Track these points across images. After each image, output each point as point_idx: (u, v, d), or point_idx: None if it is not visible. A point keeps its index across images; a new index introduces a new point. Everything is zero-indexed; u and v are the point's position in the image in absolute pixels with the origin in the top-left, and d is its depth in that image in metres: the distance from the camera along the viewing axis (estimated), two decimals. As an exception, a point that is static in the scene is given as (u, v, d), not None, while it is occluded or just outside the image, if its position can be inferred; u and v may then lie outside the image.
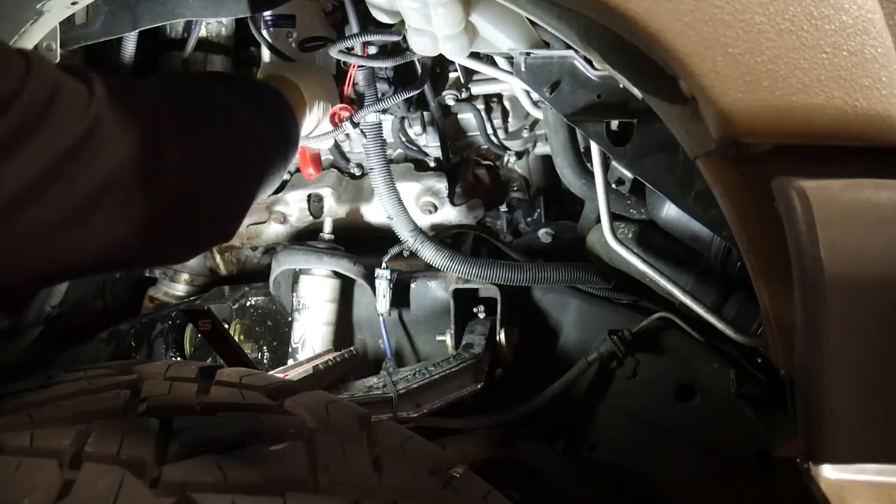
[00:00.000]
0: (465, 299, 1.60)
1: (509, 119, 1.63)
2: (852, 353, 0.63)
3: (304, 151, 1.47)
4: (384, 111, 1.51)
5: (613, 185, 1.30)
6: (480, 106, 1.59)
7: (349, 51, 1.34)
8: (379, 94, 1.43)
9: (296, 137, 1.10)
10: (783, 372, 0.75)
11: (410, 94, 1.41)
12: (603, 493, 1.40)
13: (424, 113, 1.60)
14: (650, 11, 0.66)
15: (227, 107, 0.90)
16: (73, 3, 1.05)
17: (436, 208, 1.67)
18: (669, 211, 1.27)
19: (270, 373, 1.28)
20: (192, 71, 1.37)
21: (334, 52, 1.28)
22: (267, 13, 1.43)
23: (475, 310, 1.60)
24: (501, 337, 1.50)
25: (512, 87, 1.47)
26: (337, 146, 1.74)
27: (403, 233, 1.46)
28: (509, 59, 1.20)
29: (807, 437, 0.65)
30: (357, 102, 1.42)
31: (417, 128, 1.64)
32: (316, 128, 1.31)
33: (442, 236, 1.62)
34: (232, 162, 0.87)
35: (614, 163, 1.21)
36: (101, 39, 1.24)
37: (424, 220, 1.67)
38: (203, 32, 1.46)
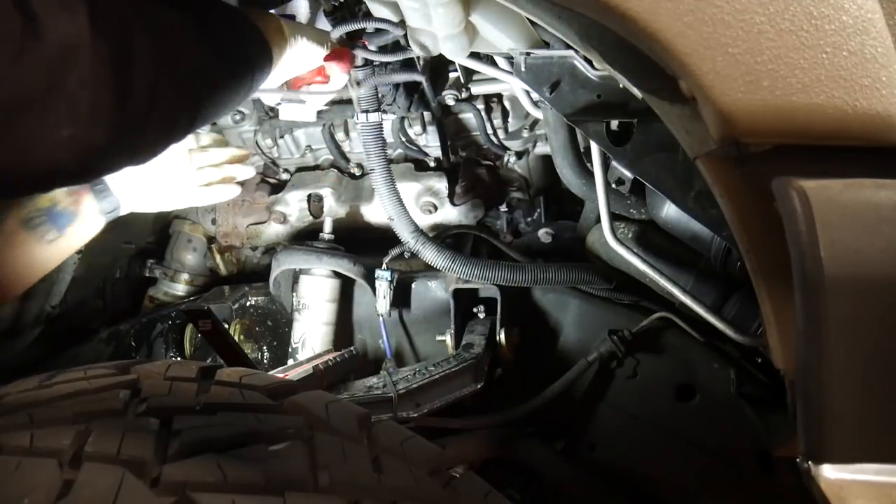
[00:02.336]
0: (464, 299, 1.60)
1: (509, 119, 1.63)
2: (852, 353, 0.63)
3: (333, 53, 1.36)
4: (385, 110, 1.51)
5: (613, 185, 1.30)
6: (480, 106, 1.59)
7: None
8: (380, 93, 1.43)
9: (260, 63, 1.09)
10: (783, 372, 0.75)
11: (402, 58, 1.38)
12: (603, 493, 1.40)
13: (424, 113, 1.60)
14: (650, 11, 0.66)
15: (188, 30, 0.92)
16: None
17: (436, 208, 1.67)
18: (669, 211, 1.27)
19: (270, 373, 1.28)
20: None
21: (335, 37, 1.28)
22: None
23: (475, 310, 1.60)
24: (501, 337, 1.50)
25: (512, 87, 1.47)
26: (337, 146, 1.74)
27: (404, 234, 1.46)
28: (509, 59, 1.20)
29: (807, 437, 0.65)
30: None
31: (417, 128, 1.64)
32: (299, 65, 1.27)
33: (442, 237, 1.62)
34: (183, 70, 0.88)
35: (614, 163, 1.21)
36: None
37: (424, 220, 1.67)
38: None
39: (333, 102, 1.54)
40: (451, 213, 1.68)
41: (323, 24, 1.38)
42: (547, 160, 1.65)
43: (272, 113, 1.70)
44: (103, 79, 0.71)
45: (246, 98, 1.08)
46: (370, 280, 1.60)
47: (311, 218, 1.75)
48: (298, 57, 1.20)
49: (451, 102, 1.57)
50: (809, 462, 0.63)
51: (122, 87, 0.74)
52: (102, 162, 0.80)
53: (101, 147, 0.75)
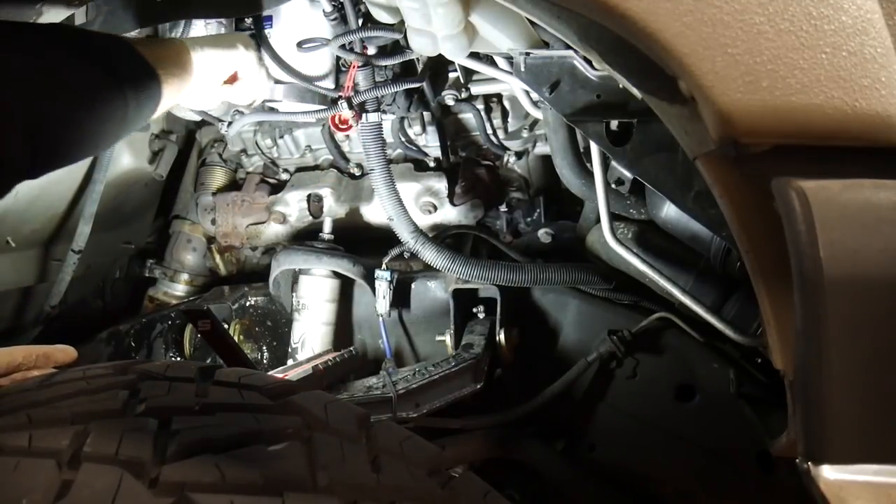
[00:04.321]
0: (464, 299, 1.60)
1: (509, 119, 1.63)
2: (852, 353, 0.63)
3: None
4: (383, 111, 1.51)
5: (613, 185, 1.30)
6: (480, 106, 1.59)
7: (350, 49, 1.35)
8: (380, 96, 1.44)
9: (136, 87, 1.05)
10: (783, 372, 0.75)
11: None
12: (603, 493, 1.40)
13: (424, 113, 1.60)
14: (649, 11, 0.66)
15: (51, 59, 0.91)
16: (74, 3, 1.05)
17: (435, 208, 1.67)
18: (669, 211, 1.27)
19: (270, 373, 1.28)
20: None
21: (334, 49, 1.28)
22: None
23: (475, 310, 1.60)
24: (501, 337, 1.50)
25: (512, 87, 1.47)
26: (336, 146, 1.74)
27: (404, 234, 1.46)
28: (509, 59, 1.20)
29: (806, 437, 0.65)
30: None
31: (417, 128, 1.64)
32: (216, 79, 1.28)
33: (442, 237, 1.62)
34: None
35: (614, 163, 1.21)
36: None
37: (424, 220, 1.67)
38: (203, 32, 1.46)
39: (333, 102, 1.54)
40: (450, 213, 1.68)
41: (324, 25, 1.38)
42: (547, 160, 1.65)
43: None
44: None
45: (132, 121, 1.04)
46: (370, 280, 1.60)
47: (310, 218, 1.75)
48: (210, 66, 1.20)
49: (450, 102, 1.57)
50: (809, 462, 0.63)
51: None
52: None
53: None
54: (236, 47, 1.28)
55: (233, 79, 1.31)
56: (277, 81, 1.49)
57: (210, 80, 1.23)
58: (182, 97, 1.17)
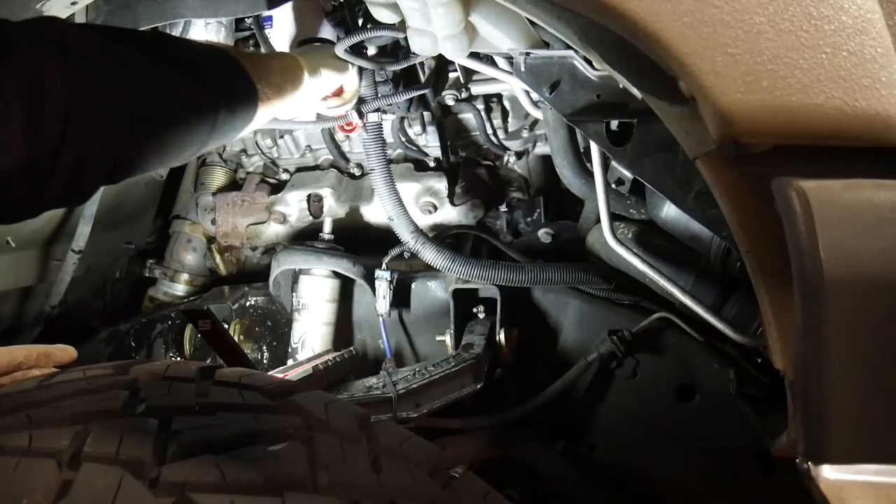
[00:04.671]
0: (464, 299, 1.60)
1: (509, 119, 1.63)
2: (852, 353, 0.63)
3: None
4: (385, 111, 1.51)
5: (613, 185, 1.30)
6: (480, 106, 1.59)
7: (354, 51, 1.35)
8: (380, 95, 1.44)
9: (240, 98, 1.06)
10: (783, 372, 0.75)
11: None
12: (603, 493, 1.40)
13: (424, 113, 1.60)
14: (649, 11, 0.66)
15: (155, 71, 0.92)
16: (73, 3, 1.05)
17: (435, 208, 1.67)
18: (669, 211, 1.26)
19: (270, 373, 1.28)
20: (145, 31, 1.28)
21: (340, 52, 1.28)
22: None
23: (475, 310, 1.60)
24: (501, 337, 1.50)
25: (512, 87, 1.47)
26: (336, 146, 1.74)
27: (404, 234, 1.46)
28: (509, 59, 1.20)
29: (807, 437, 0.65)
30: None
31: (417, 128, 1.64)
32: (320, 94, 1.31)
33: (442, 237, 1.62)
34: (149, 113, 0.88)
35: (614, 163, 1.21)
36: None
37: (424, 220, 1.67)
38: (203, 32, 1.46)
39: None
40: (450, 213, 1.68)
41: (324, 25, 1.38)
42: (547, 160, 1.65)
43: None
44: (12, 112, 0.72)
45: (223, 134, 1.04)
46: (370, 280, 1.60)
47: (310, 218, 1.75)
48: (322, 86, 1.25)
49: (450, 102, 1.57)
50: (809, 462, 0.63)
51: (31, 119, 0.74)
52: (16, 199, 0.79)
53: (13, 181, 0.75)
54: (348, 69, 1.34)
55: (337, 93, 1.36)
56: None
57: (317, 97, 1.29)
58: (281, 111, 1.16)
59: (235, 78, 1.04)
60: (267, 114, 1.11)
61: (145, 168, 0.94)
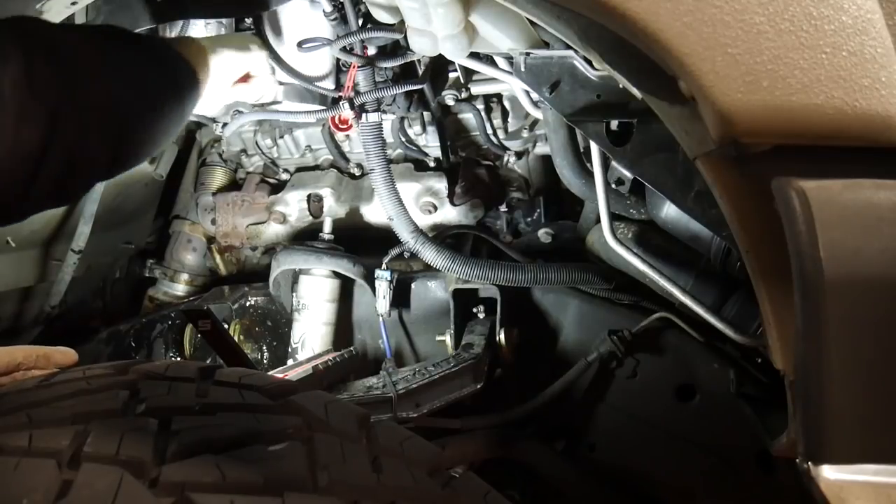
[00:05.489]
0: (464, 299, 1.60)
1: (509, 119, 1.63)
2: (852, 353, 0.63)
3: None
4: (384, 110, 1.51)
5: (613, 185, 1.30)
6: (480, 106, 1.59)
7: (350, 50, 1.35)
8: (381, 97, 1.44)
9: (187, 87, 1.10)
10: (783, 372, 0.75)
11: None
12: (603, 493, 1.40)
13: (424, 113, 1.60)
14: (649, 12, 0.66)
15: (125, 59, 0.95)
16: (73, 3, 1.05)
17: (435, 208, 1.67)
18: (669, 211, 1.26)
19: (270, 373, 1.28)
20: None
21: (335, 51, 1.28)
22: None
23: (475, 310, 1.60)
24: (501, 337, 1.50)
25: (512, 87, 1.47)
26: (336, 146, 1.74)
27: (404, 234, 1.46)
28: (509, 59, 1.20)
29: (807, 437, 0.65)
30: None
31: (417, 128, 1.64)
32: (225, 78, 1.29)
33: (442, 237, 1.62)
34: (126, 102, 0.92)
35: (614, 163, 1.21)
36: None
37: (424, 220, 1.67)
38: (203, 32, 1.46)
39: (333, 101, 1.54)
40: (450, 213, 1.68)
41: (324, 25, 1.38)
42: (547, 160, 1.65)
43: None
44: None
45: (182, 121, 1.09)
46: (370, 280, 1.60)
47: (310, 218, 1.75)
48: (227, 66, 1.22)
49: (450, 102, 1.57)
50: (809, 463, 0.63)
51: (19, 116, 0.76)
52: (5, 198, 0.80)
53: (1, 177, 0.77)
54: (249, 48, 1.29)
55: (245, 78, 1.32)
56: (279, 83, 1.49)
57: (225, 80, 1.25)
58: (207, 97, 1.19)
59: (185, 66, 1.08)
60: (213, 91, 1.17)
61: (138, 161, 1.00)
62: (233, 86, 1.30)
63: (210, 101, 1.25)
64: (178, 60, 1.07)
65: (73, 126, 0.81)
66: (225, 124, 1.60)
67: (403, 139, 1.67)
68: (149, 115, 0.97)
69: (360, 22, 1.33)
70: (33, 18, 0.91)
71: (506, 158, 1.69)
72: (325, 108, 1.48)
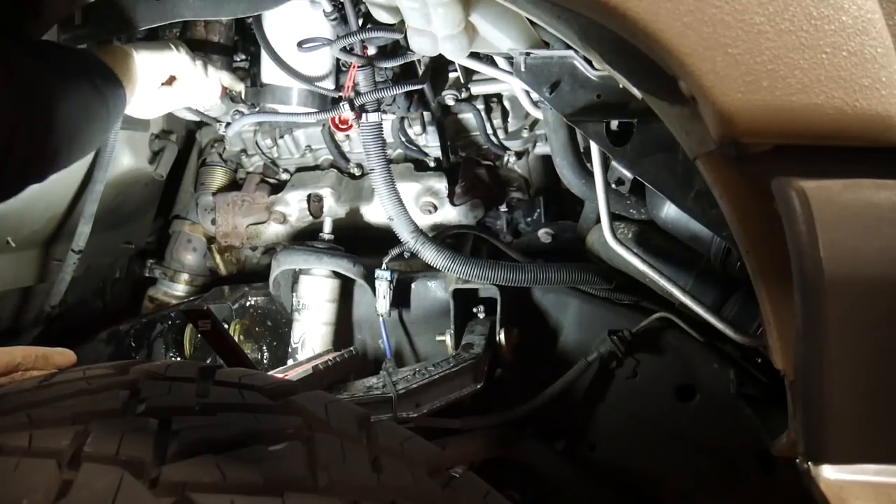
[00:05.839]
0: (464, 299, 1.59)
1: (509, 119, 1.63)
2: (852, 353, 0.63)
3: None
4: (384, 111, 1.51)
5: (613, 185, 1.30)
6: (480, 106, 1.59)
7: (350, 50, 1.35)
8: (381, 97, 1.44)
9: (113, 96, 1.14)
10: (783, 372, 0.75)
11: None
12: (603, 493, 1.40)
13: (424, 113, 1.60)
14: (650, 12, 0.66)
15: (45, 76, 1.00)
16: (73, 3, 1.05)
17: (435, 208, 1.67)
18: (669, 211, 1.27)
19: (270, 373, 1.28)
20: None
21: (336, 52, 1.28)
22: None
23: (475, 310, 1.60)
24: (501, 337, 1.50)
25: (512, 87, 1.47)
26: (336, 146, 1.74)
27: (404, 234, 1.46)
28: (509, 59, 1.20)
29: (807, 437, 0.65)
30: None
31: (417, 128, 1.64)
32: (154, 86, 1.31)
33: (442, 237, 1.62)
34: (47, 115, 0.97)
35: (614, 163, 1.21)
36: (101, 39, 1.24)
37: (424, 220, 1.67)
38: (203, 33, 1.46)
39: (333, 102, 1.54)
40: (450, 213, 1.67)
41: (323, 25, 1.38)
42: (547, 160, 1.65)
43: None
44: None
45: (109, 128, 1.16)
46: (370, 280, 1.60)
47: (310, 218, 1.75)
48: (148, 68, 1.24)
49: (450, 102, 1.57)
50: (809, 462, 0.63)
51: None
52: None
53: None
54: (168, 48, 1.30)
55: (170, 81, 1.33)
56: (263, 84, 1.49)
57: (149, 83, 1.26)
58: (133, 101, 1.22)
59: (108, 73, 1.12)
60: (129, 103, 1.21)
61: (64, 164, 1.06)
62: (159, 88, 1.31)
63: (140, 104, 1.28)
64: (99, 67, 1.11)
65: (26, 140, 0.90)
66: (228, 124, 1.60)
67: (403, 139, 1.67)
68: (74, 120, 1.02)
69: (360, 22, 1.33)
70: None
71: (506, 158, 1.69)
72: (325, 108, 1.48)
